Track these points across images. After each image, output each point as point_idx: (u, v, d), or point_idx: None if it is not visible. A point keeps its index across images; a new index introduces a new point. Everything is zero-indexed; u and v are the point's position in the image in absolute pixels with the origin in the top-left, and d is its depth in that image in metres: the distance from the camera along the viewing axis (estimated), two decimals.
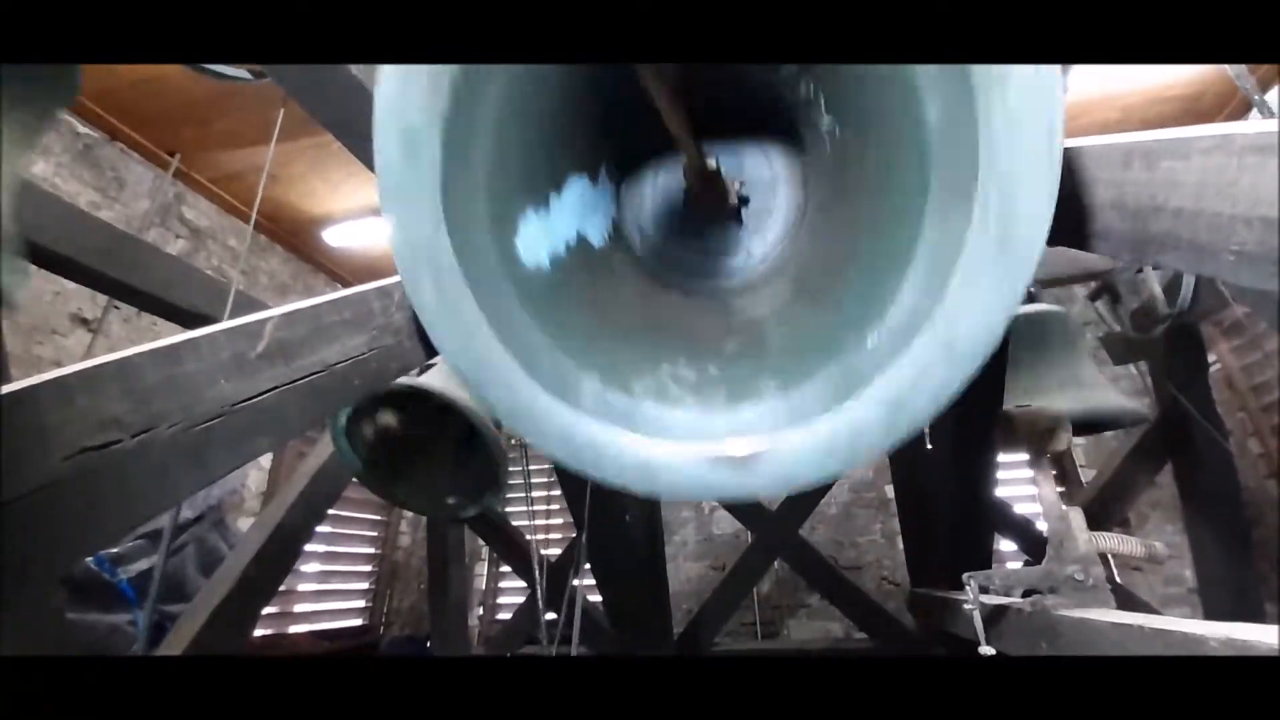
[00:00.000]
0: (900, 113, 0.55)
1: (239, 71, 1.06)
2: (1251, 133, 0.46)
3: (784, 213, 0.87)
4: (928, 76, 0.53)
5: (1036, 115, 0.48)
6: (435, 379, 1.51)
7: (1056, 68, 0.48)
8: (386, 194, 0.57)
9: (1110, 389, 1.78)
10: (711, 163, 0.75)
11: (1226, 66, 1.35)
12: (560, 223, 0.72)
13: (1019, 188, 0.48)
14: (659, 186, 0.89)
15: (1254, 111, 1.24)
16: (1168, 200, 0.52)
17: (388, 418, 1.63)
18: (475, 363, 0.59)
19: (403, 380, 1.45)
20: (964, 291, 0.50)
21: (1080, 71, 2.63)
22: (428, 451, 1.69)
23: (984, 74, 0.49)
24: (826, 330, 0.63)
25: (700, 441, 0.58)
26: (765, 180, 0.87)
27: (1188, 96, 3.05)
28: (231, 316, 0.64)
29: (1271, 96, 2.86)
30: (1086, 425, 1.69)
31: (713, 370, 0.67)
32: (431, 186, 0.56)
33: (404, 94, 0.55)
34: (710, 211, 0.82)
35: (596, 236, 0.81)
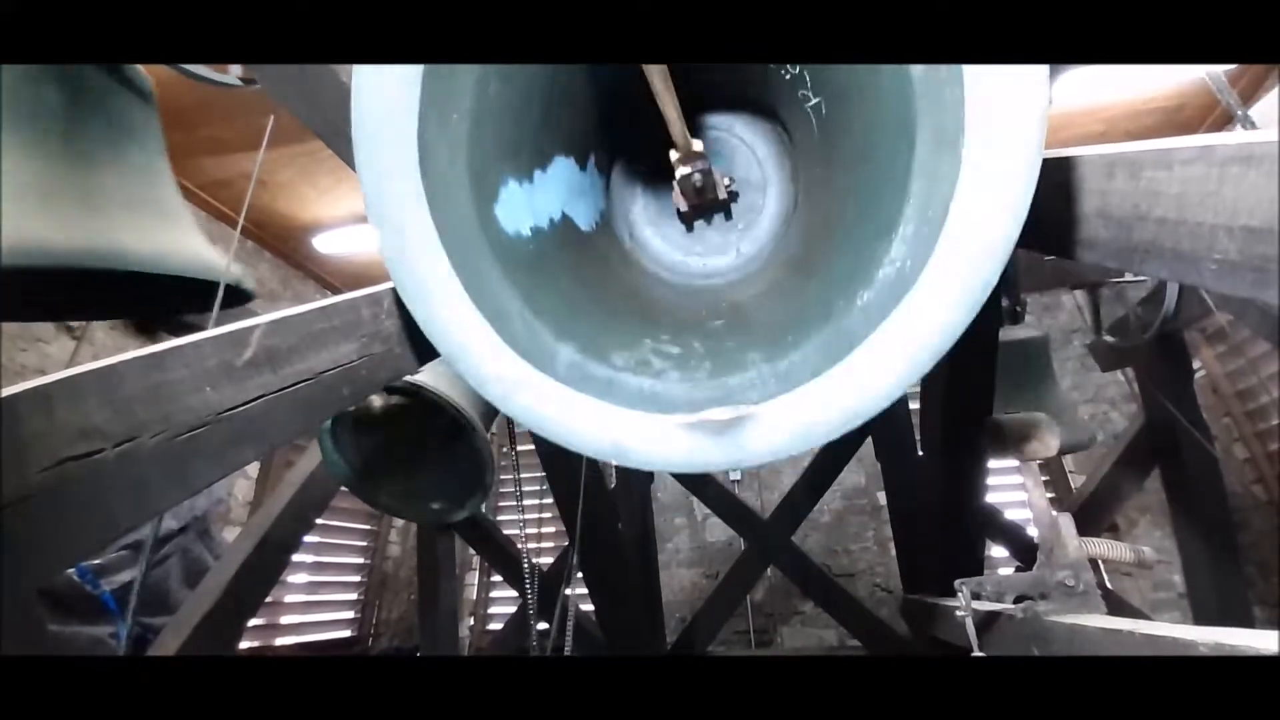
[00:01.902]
0: (887, 75, 0.55)
1: (228, 78, 1.06)
2: (1232, 144, 0.47)
3: (774, 212, 0.87)
4: None
5: (1019, 71, 0.49)
6: (423, 377, 1.49)
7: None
8: (362, 148, 0.56)
9: (1079, 420, 1.84)
10: (698, 145, 0.76)
11: (1207, 79, 1.39)
12: (544, 198, 0.71)
13: (1005, 142, 0.49)
14: (650, 182, 0.89)
15: (1235, 123, 1.27)
16: (1151, 210, 0.52)
17: (374, 416, 1.61)
18: (447, 325, 0.59)
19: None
20: (954, 248, 0.50)
21: (1064, 84, 2.67)
22: (414, 455, 1.68)
23: None
24: (817, 298, 0.62)
25: (682, 413, 0.57)
26: (755, 180, 0.88)
27: (1169, 108, 3.11)
28: (218, 324, 0.63)
29: (1258, 108, 2.92)
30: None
31: (697, 345, 0.66)
32: (408, 145, 0.56)
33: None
34: (699, 206, 0.83)
35: (584, 221, 0.81)
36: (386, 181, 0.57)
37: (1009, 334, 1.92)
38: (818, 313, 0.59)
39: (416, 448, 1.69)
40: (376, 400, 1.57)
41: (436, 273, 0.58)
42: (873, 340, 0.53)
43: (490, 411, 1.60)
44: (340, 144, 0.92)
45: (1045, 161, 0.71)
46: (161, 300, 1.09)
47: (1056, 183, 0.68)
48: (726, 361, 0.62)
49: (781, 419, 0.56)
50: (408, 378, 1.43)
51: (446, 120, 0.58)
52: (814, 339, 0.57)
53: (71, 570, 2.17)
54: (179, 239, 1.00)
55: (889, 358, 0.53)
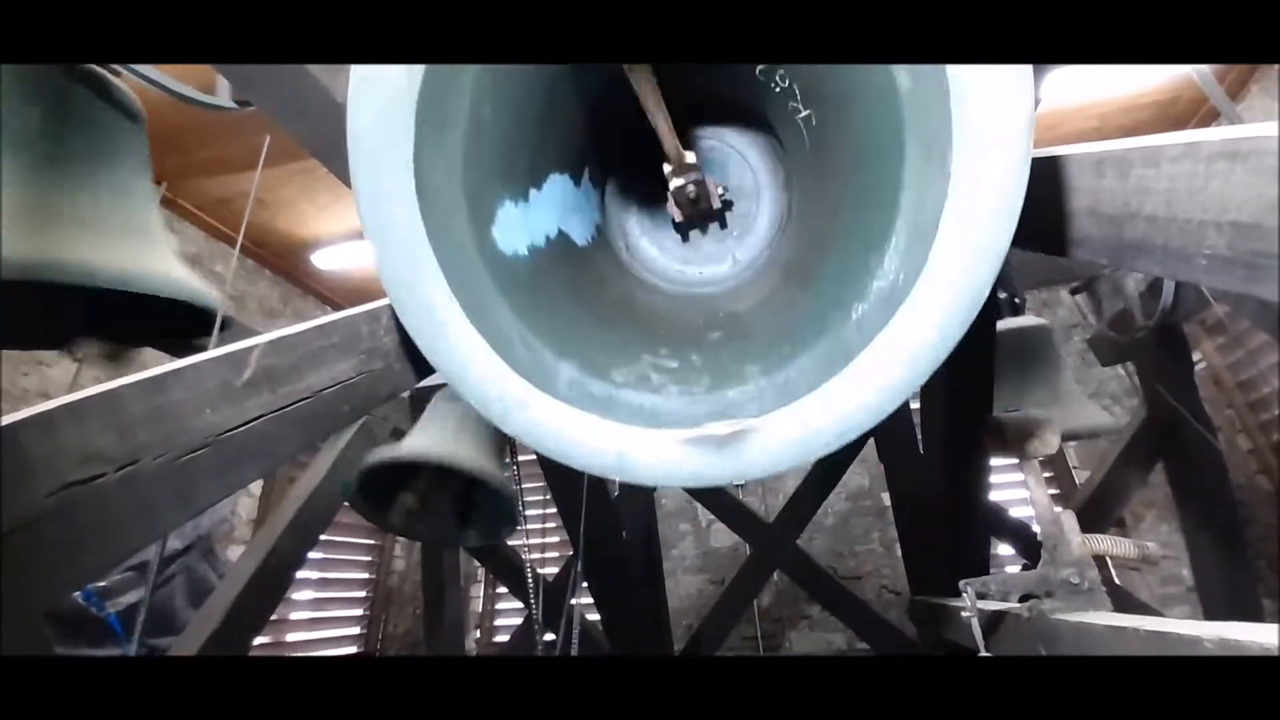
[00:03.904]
0: (874, 88, 0.55)
1: (222, 101, 1.07)
2: (1218, 140, 0.48)
3: (768, 219, 0.88)
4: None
5: (1006, 80, 0.49)
6: (431, 439, 1.52)
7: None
8: (358, 172, 0.57)
9: (1089, 406, 1.83)
10: (691, 157, 0.76)
11: (1194, 75, 1.40)
12: (540, 216, 0.71)
13: (993, 152, 0.49)
14: (644, 193, 0.90)
15: (1223, 118, 1.27)
16: (1141, 207, 0.53)
17: (407, 491, 1.61)
18: (448, 348, 0.59)
19: (402, 452, 1.48)
20: (945, 259, 0.51)
21: (1056, 81, 2.69)
22: (438, 496, 1.69)
23: None
24: (812, 310, 0.63)
25: (681, 427, 0.58)
26: (749, 187, 0.88)
27: (1162, 103, 3.12)
28: (219, 343, 0.63)
29: (1245, 105, 2.93)
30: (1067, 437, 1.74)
31: (695, 358, 0.66)
32: (404, 166, 0.56)
33: (379, 71, 0.55)
34: (693, 216, 0.84)
35: (580, 236, 0.82)
36: (383, 204, 0.57)
37: (1010, 324, 1.90)
38: (814, 325, 0.60)
39: (442, 490, 1.70)
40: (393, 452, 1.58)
41: (436, 296, 0.58)
42: (869, 352, 0.53)
43: (503, 440, 1.63)
44: (336, 162, 0.93)
45: (1036, 160, 0.71)
46: (132, 322, 1.08)
47: (1048, 181, 0.68)
48: (725, 374, 0.62)
49: (781, 432, 0.56)
50: (416, 450, 1.47)
51: (441, 141, 0.59)
52: (811, 351, 0.58)
53: (76, 592, 2.16)
54: (150, 260, 0.98)
55: (885, 370, 0.53)
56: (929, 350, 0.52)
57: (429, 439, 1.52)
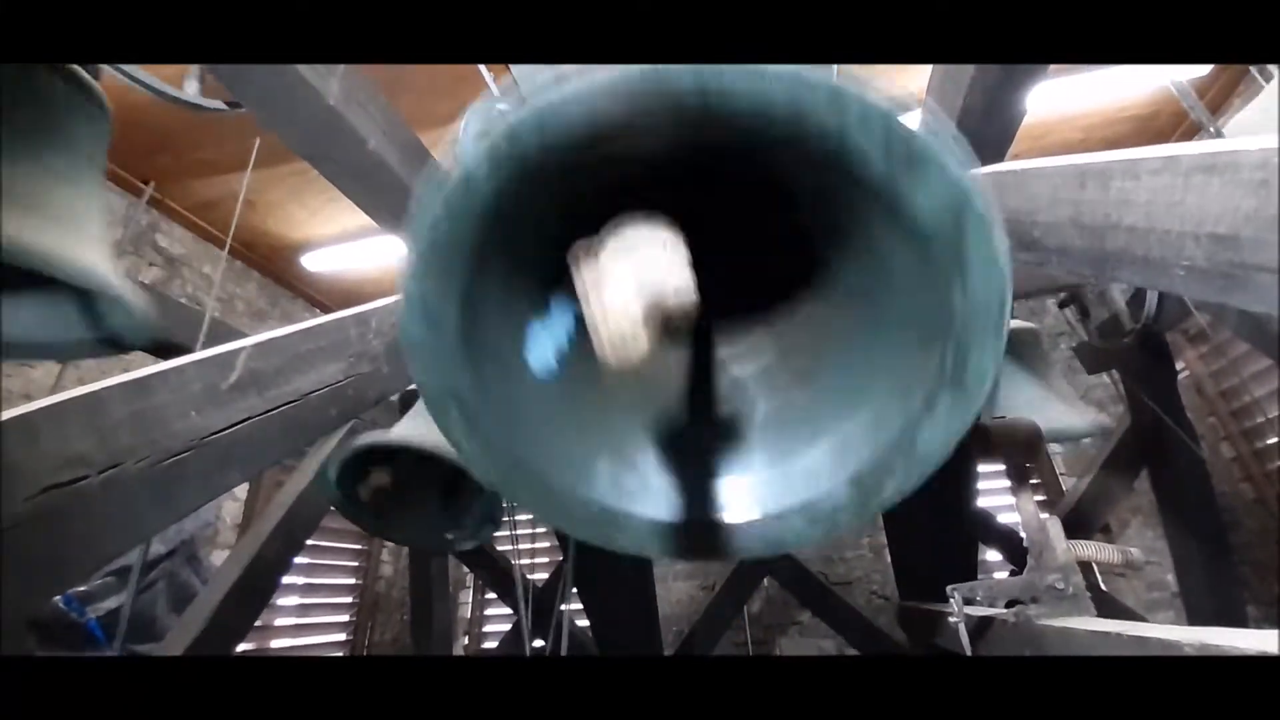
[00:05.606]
0: (896, 278, 0.60)
1: (214, 103, 1.07)
2: (1196, 153, 0.49)
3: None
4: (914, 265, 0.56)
5: (991, 297, 0.51)
6: (416, 428, 1.47)
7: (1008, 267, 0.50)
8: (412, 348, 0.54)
9: (1079, 406, 1.84)
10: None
11: (1173, 89, 1.43)
12: (560, 328, 0.67)
13: (975, 348, 0.54)
14: None
15: (1203, 132, 1.30)
16: (1121, 218, 0.54)
17: (378, 468, 1.56)
18: (506, 470, 0.61)
19: (389, 438, 1.46)
20: (925, 414, 0.59)
21: (1043, 93, 2.73)
22: (421, 491, 1.66)
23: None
24: (811, 425, 0.69)
25: (702, 511, 0.64)
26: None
27: (1143, 116, 3.18)
28: (207, 345, 0.63)
29: (1236, 119, 2.99)
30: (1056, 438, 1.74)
31: (714, 452, 0.70)
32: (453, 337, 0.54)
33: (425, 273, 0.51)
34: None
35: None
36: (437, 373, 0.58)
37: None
38: (811, 437, 0.70)
39: (423, 484, 1.67)
40: (377, 449, 1.54)
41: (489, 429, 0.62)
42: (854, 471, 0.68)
43: None
44: (326, 165, 0.93)
45: (1021, 171, 0.72)
46: (42, 312, 0.93)
47: (1033, 192, 0.69)
48: (738, 466, 0.72)
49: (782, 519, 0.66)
50: (404, 438, 1.44)
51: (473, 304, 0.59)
52: (807, 457, 0.69)
53: (57, 598, 2.12)
54: (75, 249, 0.87)
55: (863, 488, 0.67)
56: (905, 478, 0.66)
57: (415, 427, 1.46)
